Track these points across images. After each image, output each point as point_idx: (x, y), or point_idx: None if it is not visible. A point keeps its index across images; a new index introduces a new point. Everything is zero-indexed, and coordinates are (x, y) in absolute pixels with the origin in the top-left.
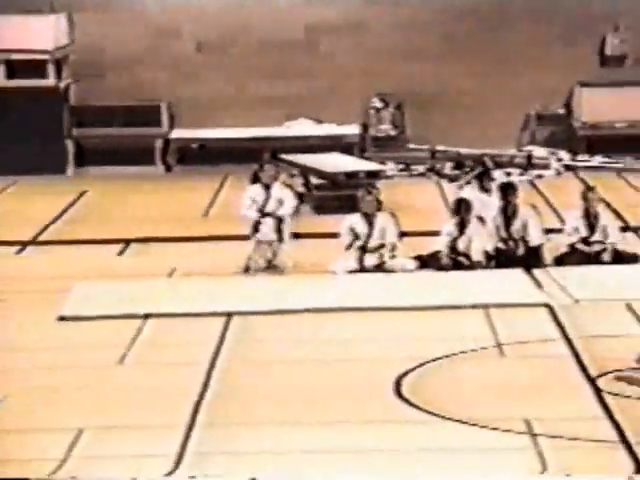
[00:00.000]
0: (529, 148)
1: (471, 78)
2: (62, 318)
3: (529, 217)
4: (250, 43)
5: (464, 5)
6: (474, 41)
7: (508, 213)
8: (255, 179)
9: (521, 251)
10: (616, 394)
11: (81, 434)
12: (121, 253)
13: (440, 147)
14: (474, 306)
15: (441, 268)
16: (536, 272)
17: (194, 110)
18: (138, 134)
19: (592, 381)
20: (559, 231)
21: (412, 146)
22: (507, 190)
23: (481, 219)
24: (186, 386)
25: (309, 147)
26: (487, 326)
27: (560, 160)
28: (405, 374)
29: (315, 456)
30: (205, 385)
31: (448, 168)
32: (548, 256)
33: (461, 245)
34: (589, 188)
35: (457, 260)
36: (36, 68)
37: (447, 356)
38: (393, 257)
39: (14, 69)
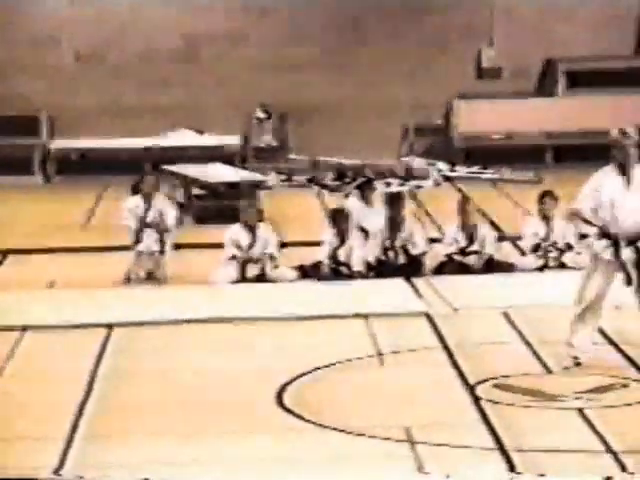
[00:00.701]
0: (408, 159)
1: (351, 89)
2: None
3: (415, 226)
4: (129, 52)
5: (344, 18)
6: (354, 53)
7: (396, 223)
8: (136, 190)
9: (402, 260)
10: (495, 402)
11: None
12: None
13: (321, 158)
14: (355, 315)
15: (322, 278)
16: (416, 281)
17: (74, 120)
18: (16, 144)
19: (471, 388)
20: (438, 241)
21: (293, 157)
22: (395, 200)
23: (363, 229)
24: (66, 399)
25: (190, 157)
26: (367, 335)
27: (440, 171)
28: (287, 384)
29: (198, 467)
30: (86, 397)
31: (329, 178)
32: (428, 265)
33: (342, 255)
34: (465, 199)
35: (338, 270)
36: None
37: (327, 366)
38: (275, 267)
39: None
